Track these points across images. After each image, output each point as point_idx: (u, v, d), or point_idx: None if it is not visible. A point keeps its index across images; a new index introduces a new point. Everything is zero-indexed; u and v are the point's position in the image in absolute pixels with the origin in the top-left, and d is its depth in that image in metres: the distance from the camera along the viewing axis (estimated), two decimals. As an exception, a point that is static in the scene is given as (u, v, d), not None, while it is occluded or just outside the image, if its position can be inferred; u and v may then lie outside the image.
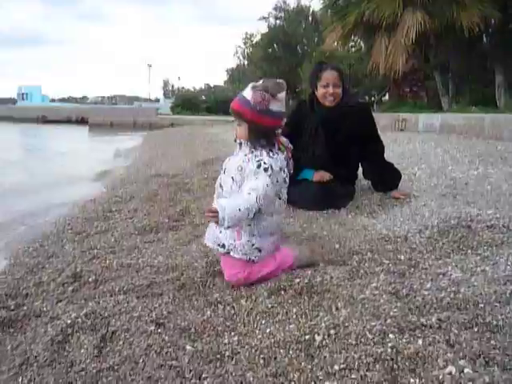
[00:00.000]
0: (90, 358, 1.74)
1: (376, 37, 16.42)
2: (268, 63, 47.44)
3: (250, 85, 2.23)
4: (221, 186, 2.36)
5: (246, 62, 58.71)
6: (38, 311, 2.23)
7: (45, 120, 35.59)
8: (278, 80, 2.25)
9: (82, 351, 1.79)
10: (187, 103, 43.12)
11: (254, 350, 1.74)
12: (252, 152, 2.24)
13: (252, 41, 55.93)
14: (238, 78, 59.84)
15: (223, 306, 2.14)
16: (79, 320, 2.02)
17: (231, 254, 2.29)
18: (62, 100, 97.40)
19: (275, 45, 49.64)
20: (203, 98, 50.18)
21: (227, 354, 1.74)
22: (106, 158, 12.06)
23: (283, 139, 2.35)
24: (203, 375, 1.61)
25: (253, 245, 2.27)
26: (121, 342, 1.85)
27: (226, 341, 1.83)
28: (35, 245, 3.61)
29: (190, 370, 1.64)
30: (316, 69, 3.99)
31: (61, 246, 3.43)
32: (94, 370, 1.66)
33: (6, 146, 16.91)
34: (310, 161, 3.96)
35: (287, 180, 2.32)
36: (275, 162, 2.20)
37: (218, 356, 1.73)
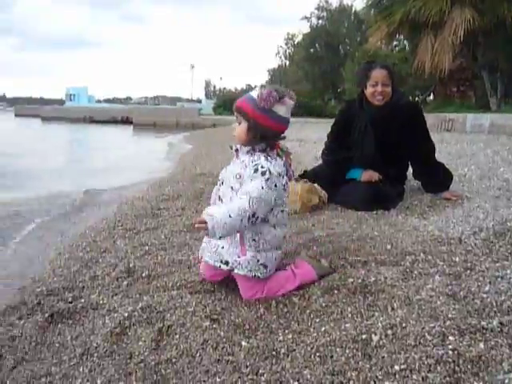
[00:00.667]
0: (149, 350, 1.78)
1: (422, 35, 16.08)
2: (310, 63, 47.20)
3: (259, 85, 2.14)
4: (220, 198, 2.24)
5: (287, 63, 58.69)
6: (95, 304, 2.29)
7: (91, 120, 36.66)
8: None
9: (140, 343, 1.83)
10: (229, 104, 43.25)
11: (309, 348, 1.73)
12: (249, 157, 2.11)
13: (294, 41, 55.85)
14: (279, 78, 59.85)
15: (276, 303, 2.14)
16: (135, 313, 2.07)
17: (235, 271, 2.17)
18: (107, 101, 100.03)
19: (317, 45, 49.36)
20: (244, 98, 50.24)
21: (282, 351, 1.74)
22: (151, 156, 12.36)
23: (282, 144, 2.20)
24: (260, 371, 1.62)
25: (258, 261, 2.14)
26: (177, 336, 1.88)
27: (281, 338, 1.83)
28: (88, 240, 3.72)
29: (247, 366, 1.65)
30: (364, 67, 3.95)
31: (112, 241, 3.51)
32: (153, 362, 1.69)
33: (71, 144, 17.87)
34: (359, 160, 3.92)
35: (286, 187, 2.18)
36: (274, 167, 2.05)
37: (274, 353, 1.73)
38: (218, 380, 1.58)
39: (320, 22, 48.50)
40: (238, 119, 2.16)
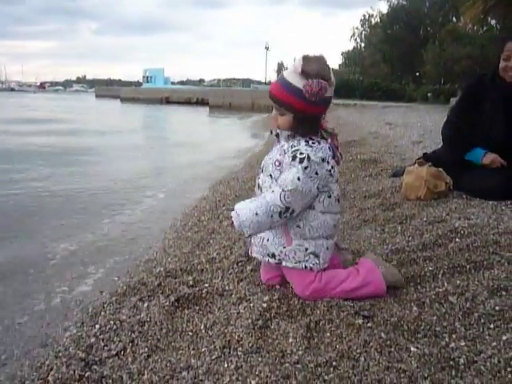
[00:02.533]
0: (302, 349, 1.57)
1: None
2: (388, 45, 45.61)
3: (294, 68, 1.80)
4: (259, 186, 2.01)
5: (362, 45, 57.07)
6: (221, 290, 2.11)
7: (168, 101, 37.44)
8: (319, 56, 1.81)
9: (290, 340, 1.62)
10: (303, 86, 42.64)
11: (495, 361, 1.45)
12: (290, 142, 1.88)
13: (371, 22, 54.14)
14: (354, 60, 58.37)
15: (429, 302, 1.87)
16: (274, 305, 1.87)
17: (283, 263, 1.93)
18: (181, 83, 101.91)
19: (396, 26, 47.59)
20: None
21: (461, 361, 1.47)
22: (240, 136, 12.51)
23: (326, 125, 1.92)
24: (444, 385, 1.36)
25: (306, 249, 1.90)
26: (328, 334, 1.66)
27: (453, 345, 1.56)
28: (193, 219, 3.60)
29: (425, 377, 1.40)
30: (500, 38, 3.52)
31: (219, 222, 3.36)
32: (312, 364, 1.47)
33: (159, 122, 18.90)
34: (484, 141, 3.49)
35: (334, 173, 1.87)
36: (315, 152, 1.79)
37: (452, 363, 1.46)
38: (396, 393, 1.34)
39: (400, 1, 46.68)
40: (281, 111, 1.88)
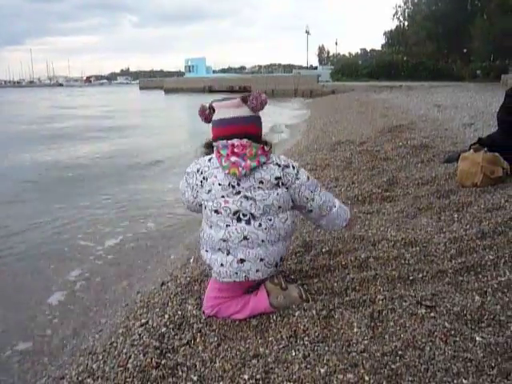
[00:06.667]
0: (367, 338, 1.62)
1: None
2: (433, 22, 44.02)
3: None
4: None
5: (406, 23, 55.36)
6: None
7: (211, 90, 37.71)
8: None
9: (355, 330, 1.67)
10: (347, 69, 41.86)
11: None
12: None
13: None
14: (397, 40, 56.83)
15: (492, 291, 1.88)
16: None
17: None
18: (222, 70, 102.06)
19: (440, 1, 45.91)
20: (360, 63, 48.57)
21: (528, 351, 1.48)
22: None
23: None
24: None
25: (205, 260, 1.96)
26: (391, 324, 1.70)
27: (518, 334, 1.57)
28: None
29: (492, 367, 1.42)
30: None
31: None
32: (378, 353, 1.52)
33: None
34: None
35: (205, 185, 1.86)
36: (194, 165, 1.93)
37: (518, 352, 1.48)
38: (464, 382, 1.37)
39: (445, -25, 44.95)
40: None
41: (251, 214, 1.81)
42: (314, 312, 1.81)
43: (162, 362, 1.67)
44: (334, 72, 42.91)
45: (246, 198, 1.81)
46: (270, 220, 1.83)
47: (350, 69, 41.97)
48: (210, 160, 1.89)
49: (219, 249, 1.88)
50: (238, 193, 1.82)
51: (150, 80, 63.91)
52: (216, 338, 1.80)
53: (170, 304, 2.14)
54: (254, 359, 1.63)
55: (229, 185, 1.82)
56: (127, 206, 4.93)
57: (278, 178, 1.84)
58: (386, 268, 2.17)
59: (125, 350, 1.80)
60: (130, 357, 1.74)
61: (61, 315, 2.69)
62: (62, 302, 2.83)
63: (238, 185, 1.82)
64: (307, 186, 1.92)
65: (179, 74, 76.25)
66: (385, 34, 60.74)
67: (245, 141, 1.83)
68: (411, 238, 2.47)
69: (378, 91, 20.08)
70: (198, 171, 1.90)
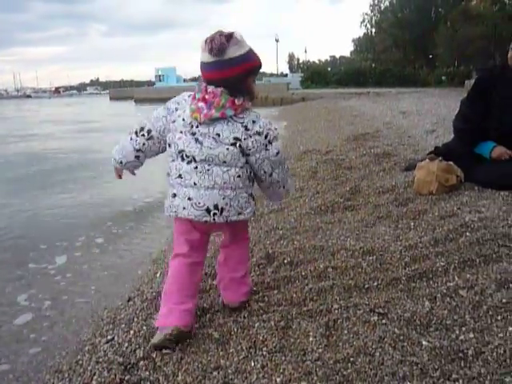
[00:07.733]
0: (322, 346, 1.70)
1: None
2: (399, 29, 45.05)
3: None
4: None
5: (373, 30, 56.46)
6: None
7: (181, 100, 37.56)
8: None
9: (311, 339, 1.75)
10: (317, 76, 42.43)
11: (501, 351, 1.56)
12: None
13: (380, 7, 53.52)
14: (365, 47, 57.86)
15: (441, 296, 1.99)
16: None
17: None
18: (193, 79, 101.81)
19: (406, 9, 47.04)
20: (329, 70, 49.32)
21: (470, 352, 1.59)
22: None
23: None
24: (453, 375, 1.48)
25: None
26: (345, 331, 1.79)
27: (462, 337, 1.68)
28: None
29: (435, 369, 1.52)
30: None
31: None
32: (331, 361, 1.61)
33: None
34: (496, 133, 3.56)
35: (175, 114, 1.91)
36: (178, 97, 1.97)
37: (461, 355, 1.58)
38: (409, 384, 1.47)
39: (409, -17, 46.09)
40: None
41: (193, 157, 1.85)
42: (273, 323, 1.88)
43: (126, 377, 1.72)
44: (304, 79, 43.46)
45: (196, 140, 1.84)
46: (209, 166, 1.84)
47: (320, 76, 42.63)
48: (189, 96, 1.93)
49: (172, 184, 1.93)
50: (193, 134, 1.85)
51: (120, 90, 63.56)
52: (179, 353, 1.85)
53: (135, 320, 2.18)
54: (214, 371, 1.69)
55: (189, 124, 1.86)
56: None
57: (236, 139, 1.82)
58: (343, 277, 2.26)
59: (90, 368, 1.84)
60: (94, 374, 1.78)
61: (28, 332, 2.68)
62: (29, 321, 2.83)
63: (197, 127, 1.85)
64: (271, 161, 1.89)
65: (150, 83, 75.95)
66: (353, 41, 61.86)
67: (219, 89, 1.81)
68: (369, 246, 2.57)
69: (346, 98, 20.45)
70: (177, 102, 1.95)
